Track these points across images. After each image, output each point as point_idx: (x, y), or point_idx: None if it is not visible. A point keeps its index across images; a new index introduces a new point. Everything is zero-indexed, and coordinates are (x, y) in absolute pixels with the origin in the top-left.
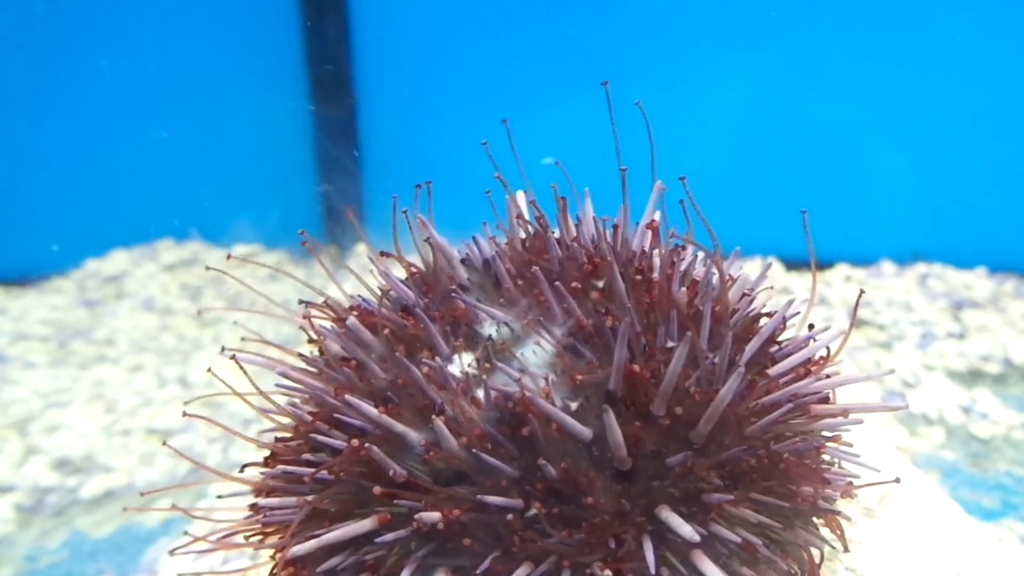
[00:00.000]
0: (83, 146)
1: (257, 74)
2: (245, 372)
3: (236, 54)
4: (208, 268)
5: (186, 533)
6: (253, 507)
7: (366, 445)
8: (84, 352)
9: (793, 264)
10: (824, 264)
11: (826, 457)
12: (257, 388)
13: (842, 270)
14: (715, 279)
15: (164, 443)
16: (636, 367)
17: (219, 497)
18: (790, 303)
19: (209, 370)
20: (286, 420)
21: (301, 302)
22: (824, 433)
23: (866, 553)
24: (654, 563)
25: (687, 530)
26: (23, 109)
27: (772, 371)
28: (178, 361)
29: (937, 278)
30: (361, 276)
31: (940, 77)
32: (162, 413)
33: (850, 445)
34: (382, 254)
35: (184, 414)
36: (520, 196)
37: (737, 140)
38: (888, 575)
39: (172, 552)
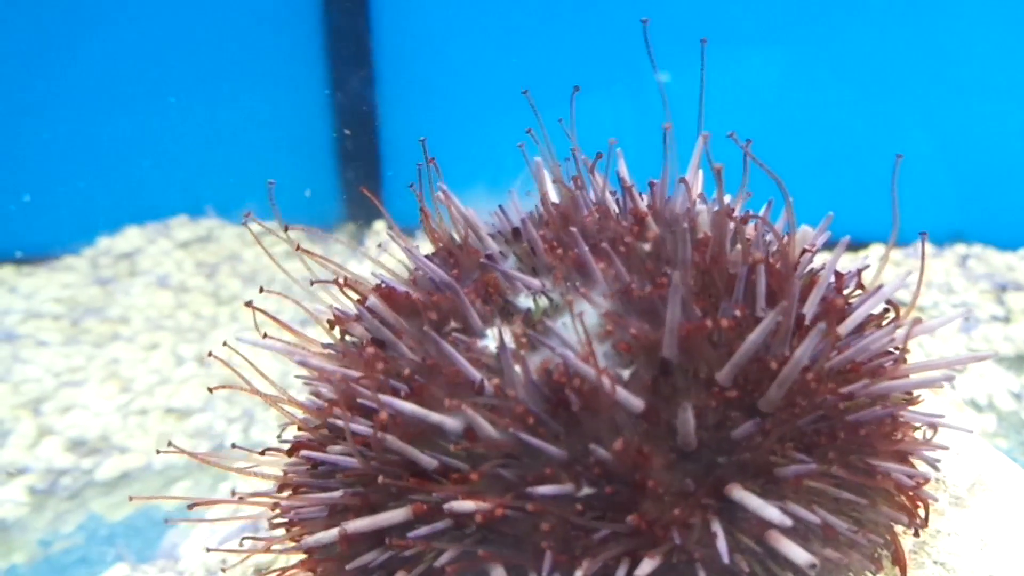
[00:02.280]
0: (95, 121)
1: (274, 48)
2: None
3: (254, 28)
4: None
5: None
6: (276, 506)
7: (379, 434)
8: (98, 330)
9: (827, 244)
10: (858, 244)
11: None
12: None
13: (877, 250)
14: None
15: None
16: (693, 326)
17: (235, 494)
18: (844, 244)
19: (225, 343)
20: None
21: (313, 283)
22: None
23: (956, 546)
24: (727, 550)
25: (772, 513)
26: (35, 84)
27: (842, 328)
28: (195, 339)
29: (977, 259)
30: (380, 254)
31: (983, 52)
32: (179, 392)
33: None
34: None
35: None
36: (540, 163)
37: (771, 120)
38: (981, 570)
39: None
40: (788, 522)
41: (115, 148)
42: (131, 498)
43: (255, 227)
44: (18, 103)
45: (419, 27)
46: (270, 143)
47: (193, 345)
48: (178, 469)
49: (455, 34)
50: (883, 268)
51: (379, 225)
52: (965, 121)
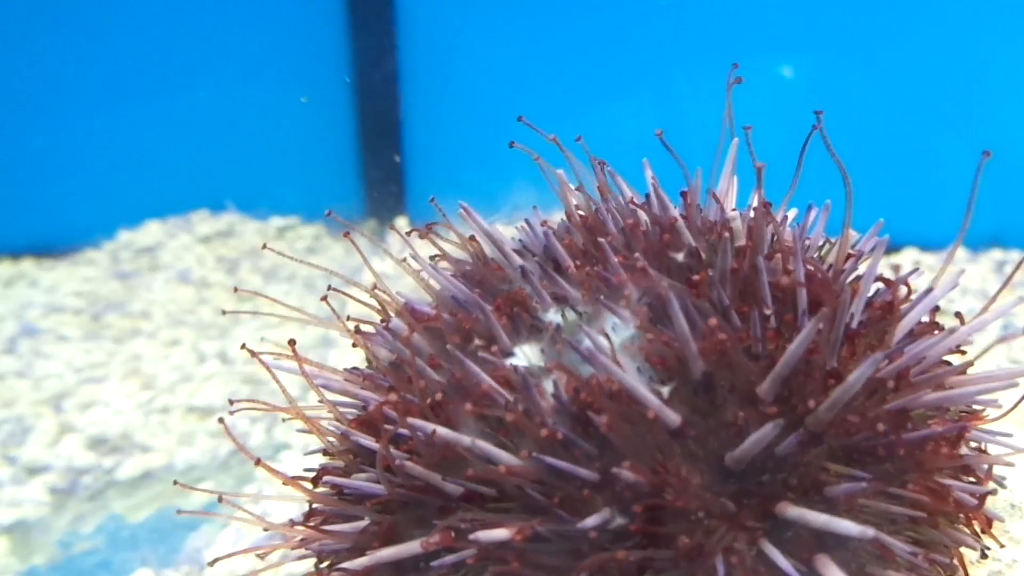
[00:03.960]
0: (116, 114)
1: (297, 41)
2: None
3: (276, 20)
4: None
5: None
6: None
7: (398, 461)
8: (119, 325)
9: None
10: (891, 248)
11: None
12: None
13: (910, 254)
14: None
15: None
16: (722, 337)
17: (266, 530)
18: (882, 243)
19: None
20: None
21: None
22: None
23: None
24: (792, 568)
25: (847, 526)
26: (55, 75)
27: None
28: (216, 336)
29: (1015, 265)
30: (399, 251)
31: (1019, 51)
32: (202, 389)
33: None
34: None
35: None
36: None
37: (800, 124)
38: None
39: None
40: (870, 533)
41: (135, 141)
42: (176, 482)
43: (277, 222)
44: (40, 95)
45: (444, 24)
46: (291, 138)
47: (215, 342)
48: (200, 469)
49: (481, 32)
50: (943, 272)
51: (401, 222)
52: (1002, 122)
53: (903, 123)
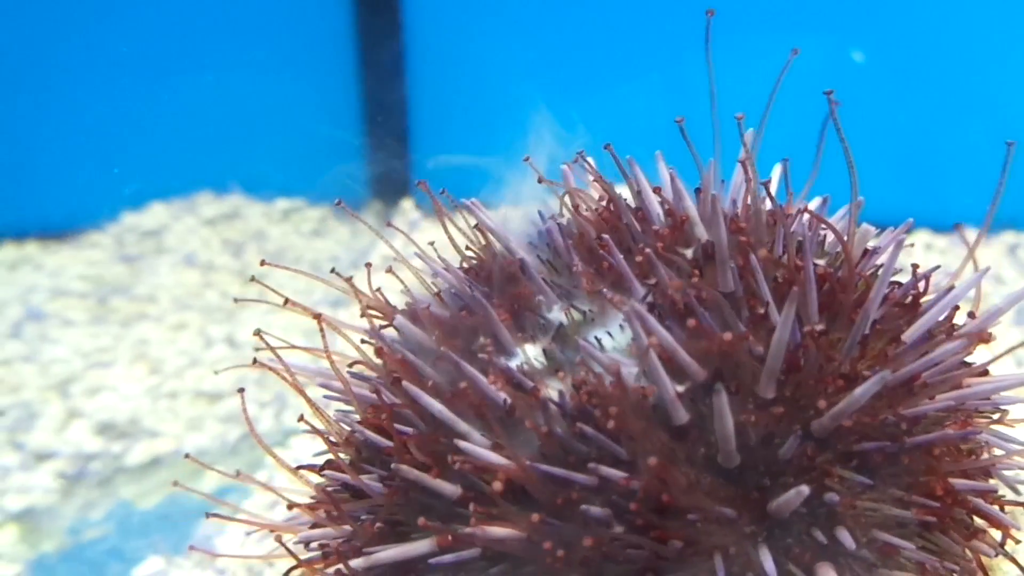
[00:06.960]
0: (119, 94)
1: (302, 22)
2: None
3: (281, 1)
4: None
5: None
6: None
7: (392, 465)
8: (125, 309)
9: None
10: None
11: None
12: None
13: (922, 237)
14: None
15: None
16: (733, 338)
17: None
18: (900, 242)
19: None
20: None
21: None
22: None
23: None
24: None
25: (790, 495)
26: (56, 54)
27: (907, 335)
28: (223, 319)
29: None
30: (406, 234)
31: None
32: (210, 374)
33: None
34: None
35: None
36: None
37: (811, 103)
38: None
39: None
40: (805, 491)
41: (139, 122)
42: (176, 483)
43: (283, 204)
44: (43, 74)
45: (451, 3)
46: (296, 119)
47: (221, 326)
48: (210, 455)
49: (488, 12)
50: (964, 265)
51: (407, 204)
52: (1018, 103)
53: (917, 105)
